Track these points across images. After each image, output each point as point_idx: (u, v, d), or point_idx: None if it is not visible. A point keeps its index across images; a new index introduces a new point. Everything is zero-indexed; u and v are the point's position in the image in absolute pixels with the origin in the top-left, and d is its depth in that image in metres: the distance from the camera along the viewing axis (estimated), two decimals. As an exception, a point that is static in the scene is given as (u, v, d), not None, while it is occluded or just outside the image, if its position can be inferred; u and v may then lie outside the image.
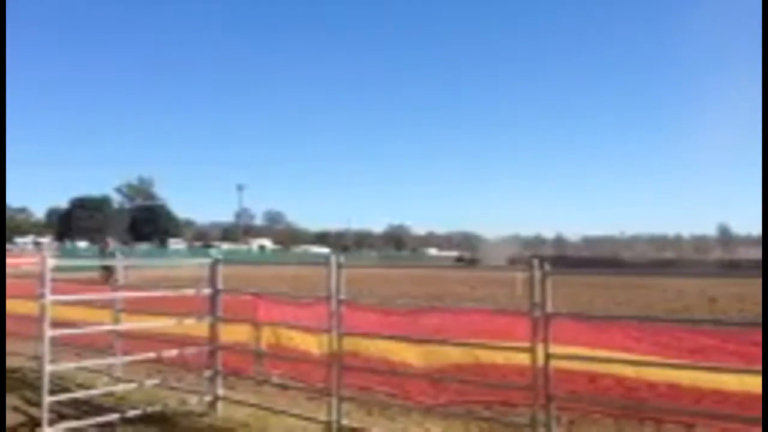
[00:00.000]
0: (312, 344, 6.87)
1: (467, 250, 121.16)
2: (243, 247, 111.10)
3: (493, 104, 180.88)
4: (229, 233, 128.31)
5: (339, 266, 6.61)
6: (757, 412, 4.72)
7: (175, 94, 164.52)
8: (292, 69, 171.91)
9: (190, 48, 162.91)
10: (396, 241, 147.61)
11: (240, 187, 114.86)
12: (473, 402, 6.30)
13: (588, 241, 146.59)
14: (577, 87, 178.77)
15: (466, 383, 6.01)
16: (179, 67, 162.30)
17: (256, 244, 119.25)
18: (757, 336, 5.05)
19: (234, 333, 7.58)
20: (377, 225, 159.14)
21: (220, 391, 7.57)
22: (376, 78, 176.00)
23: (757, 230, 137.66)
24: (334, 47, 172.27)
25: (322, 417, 6.65)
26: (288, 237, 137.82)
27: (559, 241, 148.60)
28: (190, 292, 7.78)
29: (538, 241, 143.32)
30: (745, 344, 4.91)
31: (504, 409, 6.31)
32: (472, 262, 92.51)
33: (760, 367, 4.70)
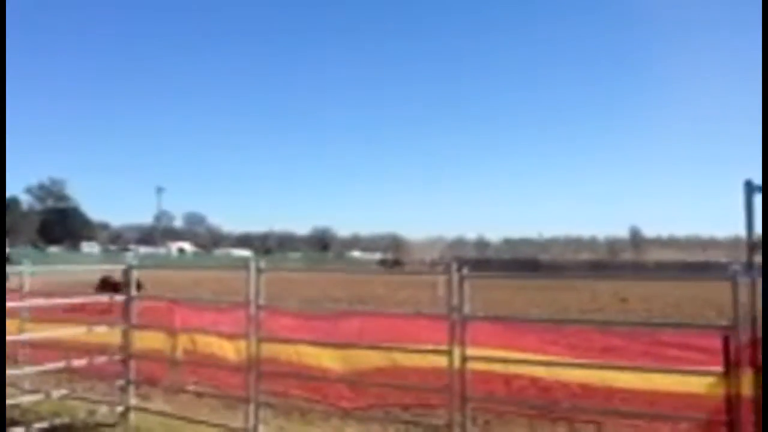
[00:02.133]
0: (230, 350, 6.73)
1: (392, 253, 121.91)
2: (161, 250, 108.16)
3: (412, 104, 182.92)
4: (147, 236, 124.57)
5: (258, 270, 6.50)
6: (664, 409, 4.91)
7: (92, 94, 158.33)
8: (212, 69, 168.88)
9: (105, 49, 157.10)
10: (321, 243, 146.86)
11: (159, 189, 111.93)
12: (392, 405, 6.32)
13: (509, 243, 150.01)
14: (496, 87, 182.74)
15: (385, 386, 6.02)
16: (95, 67, 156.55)
17: (175, 247, 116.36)
18: (665, 336, 5.26)
19: (149, 340, 7.34)
20: (302, 227, 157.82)
21: (133, 401, 7.32)
22: (299, 77, 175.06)
23: (665, 232, 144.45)
24: (254, 45, 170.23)
25: (239, 424, 6.52)
26: (209, 240, 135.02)
27: (481, 243, 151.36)
28: (103, 298, 7.50)
29: (460, 243, 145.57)
30: (653, 344, 5.10)
31: (422, 411, 6.36)
32: (395, 265, 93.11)
33: (667, 366, 4.90)
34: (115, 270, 8.62)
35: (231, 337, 6.69)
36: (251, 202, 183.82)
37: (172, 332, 7.09)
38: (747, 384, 4.43)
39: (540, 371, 5.42)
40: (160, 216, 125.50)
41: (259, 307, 6.46)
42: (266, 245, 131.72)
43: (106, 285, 20.78)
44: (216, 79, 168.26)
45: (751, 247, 4.44)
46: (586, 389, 5.28)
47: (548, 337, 5.58)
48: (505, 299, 24.03)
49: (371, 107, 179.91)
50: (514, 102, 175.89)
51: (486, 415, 6.50)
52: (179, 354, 7.06)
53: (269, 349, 6.49)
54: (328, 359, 6.25)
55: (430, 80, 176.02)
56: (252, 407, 6.43)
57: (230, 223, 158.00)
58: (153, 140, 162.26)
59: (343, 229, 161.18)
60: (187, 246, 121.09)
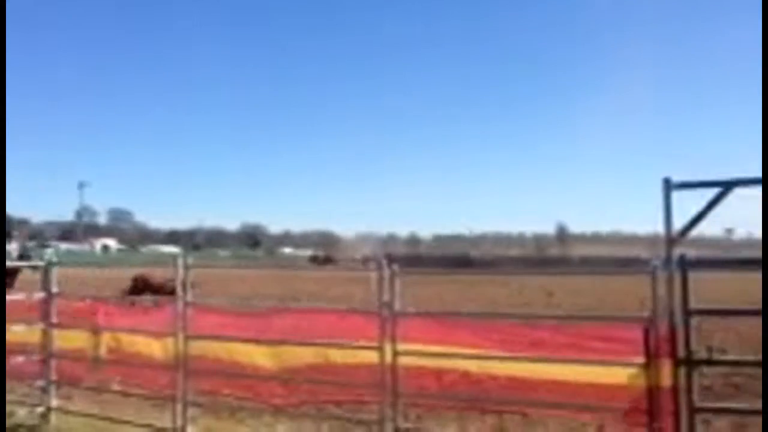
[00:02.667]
0: (156, 349, 6.56)
1: (324, 249, 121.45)
2: (85, 247, 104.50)
3: (343, 102, 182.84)
4: (68, 233, 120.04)
5: (186, 267, 6.36)
6: (588, 399, 5.07)
7: (10, 89, 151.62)
8: (136, 63, 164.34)
9: (23, 42, 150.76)
10: (251, 239, 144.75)
11: (81, 185, 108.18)
12: (325, 401, 6.31)
13: (439, 240, 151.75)
14: (425, 84, 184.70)
15: (318, 383, 5.99)
16: (11, 62, 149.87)
17: (99, 244, 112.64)
18: (589, 329, 5.43)
19: (71, 339, 7.09)
20: (231, 223, 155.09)
21: (54, 402, 7.06)
22: (225, 72, 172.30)
23: (590, 228, 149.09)
24: (179, 37, 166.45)
25: (167, 424, 6.37)
26: (136, 236, 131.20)
27: (412, 239, 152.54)
28: (19, 296, 7.19)
29: (392, 240, 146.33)
30: (578, 336, 5.25)
31: (355, 407, 6.37)
32: (326, 261, 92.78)
33: (592, 357, 5.05)
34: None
35: (158, 334, 6.53)
36: (179, 197, 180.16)
37: (95, 331, 6.87)
38: (666, 374, 4.61)
39: (470, 365, 5.51)
40: (83, 212, 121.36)
41: (186, 304, 6.33)
42: (195, 242, 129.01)
43: (146, 286, 19.90)
44: (140, 72, 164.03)
45: (669, 242, 4.63)
46: (514, 381, 5.39)
47: (478, 332, 5.67)
48: (436, 295, 24.28)
49: (301, 104, 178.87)
50: (443, 99, 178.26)
51: (417, 409, 6.55)
52: (102, 353, 6.84)
53: (198, 347, 6.36)
54: (259, 356, 6.17)
55: (358, 77, 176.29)
56: (180, 406, 6.29)
57: (157, 220, 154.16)
58: (75, 135, 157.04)
59: (273, 225, 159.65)
60: (111, 243, 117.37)
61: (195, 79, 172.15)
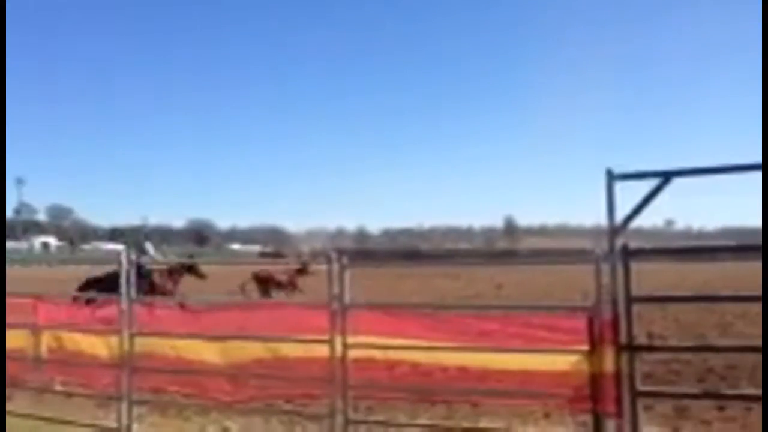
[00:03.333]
0: (101, 347, 6.40)
1: (273, 244, 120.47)
2: (23, 245, 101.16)
3: (291, 99, 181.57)
4: (6, 230, 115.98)
5: (131, 263, 6.22)
6: (536, 387, 5.17)
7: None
8: (80, 54, 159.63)
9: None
10: (198, 236, 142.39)
11: (19, 181, 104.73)
12: (275, 396, 6.26)
13: (389, 234, 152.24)
14: (375, 84, 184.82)
15: (267, 378, 5.95)
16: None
17: (38, 241, 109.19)
18: (535, 318, 5.52)
19: (10, 339, 6.85)
20: (177, 219, 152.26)
21: (-7, 404, 6.81)
22: (174, 61, 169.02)
23: (537, 221, 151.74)
24: (124, 33, 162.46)
25: (112, 423, 6.24)
26: (77, 233, 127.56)
27: (361, 233, 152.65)
28: None
29: (341, 235, 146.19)
30: (525, 326, 5.34)
31: (306, 401, 6.35)
32: (276, 257, 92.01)
33: (539, 346, 5.15)
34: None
35: (102, 332, 6.38)
36: (122, 194, 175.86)
37: (35, 330, 6.66)
38: (609, 360, 4.74)
39: (420, 357, 5.55)
40: (21, 209, 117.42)
41: (131, 301, 6.20)
42: (139, 239, 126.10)
43: (263, 281, 19.79)
44: (82, 63, 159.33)
45: (612, 232, 4.74)
46: (464, 372, 5.46)
47: (428, 324, 5.72)
48: (386, 288, 24.37)
49: (251, 99, 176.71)
50: (392, 97, 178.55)
51: (368, 401, 6.58)
52: (43, 352, 6.64)
53: (144, 345, 6.23)
54: (207, 352, 6.09)
55: (308, 76, 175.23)
56: (125, 405, 6.16)
57: (99, 217, 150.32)
58: (11, 128, 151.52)
59: (221, 221, 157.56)
60: (52, 240, 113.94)
61: (137, 72, 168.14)
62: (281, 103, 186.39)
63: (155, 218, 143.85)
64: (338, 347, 5.50)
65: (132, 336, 6.17)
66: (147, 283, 13.60)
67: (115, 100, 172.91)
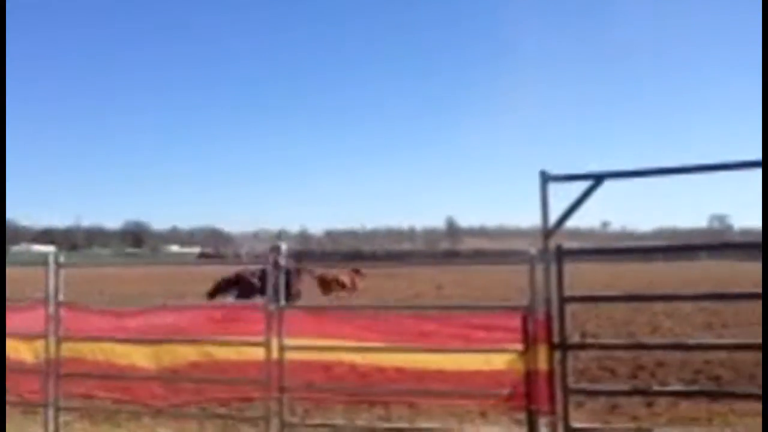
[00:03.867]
0: (25, 352, 6.15)
1: (213, 246, 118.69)
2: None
3: (232, 99, 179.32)
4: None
5: (58, 265, 6.00)
6: (473, 387, 5.20)
7: None
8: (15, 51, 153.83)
9: None
10: (135, 237, 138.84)
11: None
12: (209, 400, 6.15)
13: (331, 235, 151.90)
14: (313, 84, 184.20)
15: (201, 382, 5.82)
16: None
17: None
18: (473, 318, 5.57)
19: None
20: (113, 221, 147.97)
21: None
22: (104, 61, 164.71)
23: (478, 222, 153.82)
24: (57, 31, 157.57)
25: (38, 431, 6.00)
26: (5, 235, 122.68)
27: (303, 235, 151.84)
28: None
29: (283, 236, 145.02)
30: (463, 326, 5.38)
31: (241, 405, 6.25)
32: (216, 258, 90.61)
33: (474, 346, 5.19)
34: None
35: (27, 337, 6.12)
36: (53, 194, 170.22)
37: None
38: (542, 359, 4.81)
39: (358, 358, 5.53)
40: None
41: (59, 305, 5.98)
42: (72, 240, 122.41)
43: (326, 282, 19.78)
44: (12, 60, 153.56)
45: (546, 233, 4.82)
46: (402, 372, 5.46)
47: (366, 325, 5.70)
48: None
49: (188, 100, 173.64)
50: (334, 97, 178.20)
51: (306, 403, 6.52)
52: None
53: (72, 350, 6.01)
54: (138, 357, 5.92)
55: (246, 76, 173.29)
56: (51, 412, 5.93)
57: (29, 217, 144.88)
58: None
59: (158, 222, 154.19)
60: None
61: (67, 71, 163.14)
62: (220, 105, 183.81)
63: (89, 219, 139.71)
64: (274, 349, 5.43)
65: (59, 341, 5.95)
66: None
67: (45, 99, 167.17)
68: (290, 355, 5.48)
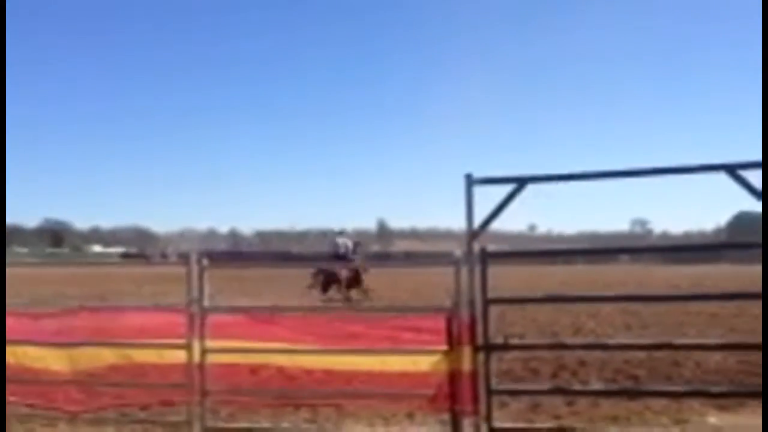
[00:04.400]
0: None
1: (138, 246, 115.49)
2: None
3: (157, 97, 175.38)
4: None
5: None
6: (400, 388, 5.23)
7: None
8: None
9: None
10: (54, 237, 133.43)
11: None
12: (130, 405, 5.96)
13: (261, 236, 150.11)
14: (252, 84, 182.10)
15: (119, 386, 5.64)
16: None
17: None
18: (402, 320, 5.60)
19: None
20: (30, 219, 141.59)
21: None
22: (28, 54, 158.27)
23: (408, 224, 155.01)
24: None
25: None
26: None
27: (233, 235, 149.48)
28: None
29: (212, 236, 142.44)
30: (392, 328, 5.40)
31: (163, 409, 6.08)
32: (141, 258, 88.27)
33: (401, 348, 5.22)
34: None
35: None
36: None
37: None
38: (467, 360, 4.88)
39: (285, 360, 5.48)
40: None
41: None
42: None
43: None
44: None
45: (470, 236, 4.89)
46: (330, 375, 5.45)
47: (294, 327, 5.66)
48: (256, 290, 23.96)
49: (112, 94, 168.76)
50: (265, 97, 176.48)
51: (230, 407, 6.40)
52: None
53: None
54: (54, 360, 5.70)
55: (172, 73, 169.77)
56: (-43, 420, 5.63)
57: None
58: None
59: (80, 221, 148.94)
60: None
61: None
62: (146, 99, 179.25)
63: (6, 217, 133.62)
64: (196, 352, 5.31)
65: (-33, 344, 5.65)
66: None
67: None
68: (215, 358, 5.38)
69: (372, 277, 21.95)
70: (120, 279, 32.48)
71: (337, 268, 21.53)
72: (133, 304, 16.08)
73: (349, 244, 22.97)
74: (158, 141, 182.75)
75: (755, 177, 4.56)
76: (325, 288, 21.42)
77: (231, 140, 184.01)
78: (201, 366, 5.32)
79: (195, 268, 5.36)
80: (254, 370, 5.58)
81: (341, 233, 23.77)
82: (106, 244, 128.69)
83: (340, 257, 22.00)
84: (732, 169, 4.52)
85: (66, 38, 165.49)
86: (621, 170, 4.90)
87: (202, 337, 5.33)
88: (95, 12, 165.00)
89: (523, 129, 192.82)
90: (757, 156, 4.61)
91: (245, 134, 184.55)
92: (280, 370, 5.54)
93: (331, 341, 5.48)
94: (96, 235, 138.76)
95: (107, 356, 5.63)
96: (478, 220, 4.91)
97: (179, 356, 5.38)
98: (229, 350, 5.42)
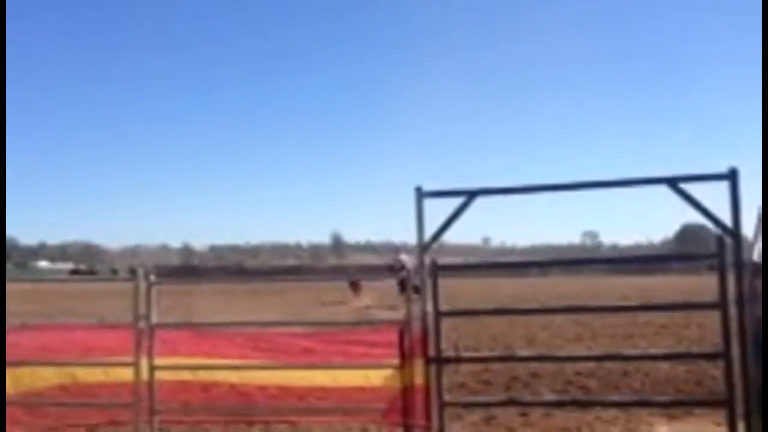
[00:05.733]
0: None
1: (87, 262, 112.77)
2: None
3: (110, 101, 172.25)
4: None
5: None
6: (354, 403, 5.20)
7: None
8: None
9: None
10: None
11: None
12: (76, 425, 5.80)
13: (215, 250, 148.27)
14: (215, 90, 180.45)
15: (64, 406, 5.48)
16: None
17: None
18: (355, 334, 5.58)
19: None
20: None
21: None
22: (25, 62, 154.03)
23: (364, 238, 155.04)
24: None
25: None
26: None
27: (186, 250, 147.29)
28: None
29: (164, 251, 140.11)
30: (345, 342, 5.39)
31: (111, 429, 5.94)
32: (89, 275, 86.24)
33: (352, 362, 5.20)
34: None
35: None
36: None
37: None
38: (419, 373, 4.88)
39: (236, 377, 5.41)
40: None
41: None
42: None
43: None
44: None
45: (421, 248, 4.91)
46: (283, 391, 5.40)
47: (246, 343, 5.59)
48: (208, 307, 23.58)
49: (61, 102, 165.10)
50: (215, 112, 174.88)
51: (181, 426, 6.27)
52: None
53: None
54: None
55: (122, 81, 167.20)
56: None
57: None
58: None
59: (26, 237, 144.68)
60: None
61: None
62: (95, 109, 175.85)
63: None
64: (144, 370, 5.19)
65: None
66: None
67: None
68: (164, 376, 5.27)
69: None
70: (66, 296, 31.62)
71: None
72: (79, 321, 15.67)
73: None
74: (109, 154, 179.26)
75: (697, 190, 4.68)
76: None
77: (182, 152, 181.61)
78: (149, 384, 5.21)
79: (143, 284, 5.26)
80: (205, 387, 5.48)
81: (399, 250, 29.97)
82: (54, 260, 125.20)
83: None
84: (674, 182, 4.64)
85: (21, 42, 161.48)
86: (567, 183, 4.99)
87: (150, 355, 5.21)
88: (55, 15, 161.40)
89: (481, 140, 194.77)
90: (700, 169, 4.74)
91: (196, 146, 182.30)
92: (232, 386, 5.45)
93: (284, 357, 5.42)
94: (43, 251, 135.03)
95: (52, 375, 5.47)
96: (429, 233, 4.94)
97: (127, 374, 5.25)
98: (178, 367, 5.32)
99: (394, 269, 25.04)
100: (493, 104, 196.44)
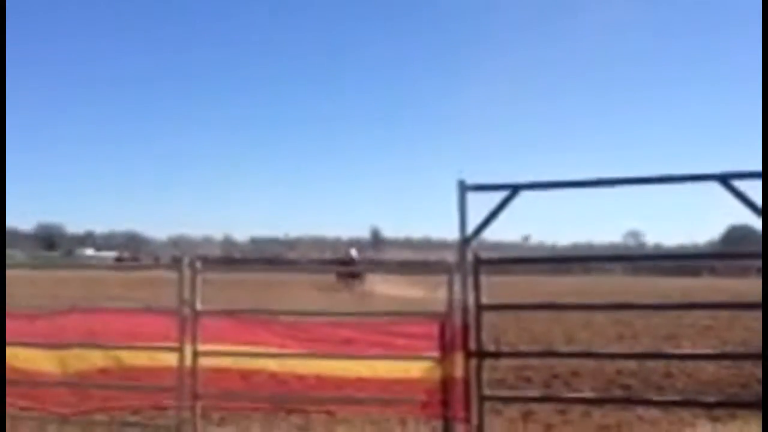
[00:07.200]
0: None
1: (131, 251, 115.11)
2: None
3: (152, 103, 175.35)
4: None
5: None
6: (392, 394, 5.21)
7: None
8: None
9: None
10: (48, 240, 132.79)
11: None
12: (120, 408, 5.93)
13: (255, 243, 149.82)
14: (248, 89, 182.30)
15: (112, 389, 5.61)
16: None
17: None
18: (394, 326, 5.59)
19: None
20: (24, 223, 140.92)
21: None
22: (38, 60, 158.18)
23: (403, 233, 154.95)
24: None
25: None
26: None
27: (227, 242, 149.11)
28: None
29: (207, 242, 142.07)
30: (384, 334, 5.39)
31: (153, 413, 6.06)
32: (133, 262, 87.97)
33: (393, 354, 5.21)
34: None
35: None
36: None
37: None
38: (459, 366, 4.86)
39: (276, 365, 5.46)
40: None
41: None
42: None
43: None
44: None
45: (463, 242, 4.88)
46: (322, 380, 5.43)
47: (286, 332, 5.64)
48: (251, 297, 23.85)
49: (108, 99, 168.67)
50: (259, 106, 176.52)
51: (222, 412, 6.37)
52: None
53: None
54: (44, 362, 5.67)
55: (166, 76, 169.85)
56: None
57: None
58: None
59: (73, 225, 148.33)
60: None
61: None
62: (140, 103, 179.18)
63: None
64: (188, 355, 5.28)
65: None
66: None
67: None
68: (206, 362, 5.35)
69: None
70: (112, 283, 32.33)
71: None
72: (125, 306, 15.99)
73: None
74: (154, 147, 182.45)
75: (750, 187, 4.46)
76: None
77: (226, 147, 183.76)
78: (193, 370, 5.30)
79: (187, 272, 5.34)
80: (245, 374, 5.55)
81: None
82: (100, 248, 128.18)
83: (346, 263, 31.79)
84: (725, 179, 4.49)
85: (62, 41, 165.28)
86: (612, 178, 4.90)
87: (194, 341, 5.30)
88: (93, 15, 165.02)
89: (521, 136, 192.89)
90: (755, 166, 4.52)
91: (241, 140, 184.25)
92: (272, 375, 5.51)
93: (323, 346, 5.46)
94: (89, 239, 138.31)
95: (98, 359, 5.60)
96: (471, 228, 4.90)
97: (171, 360, 5.35)
98: (220, 353, 5.39)
99: (345, 262, 31.71)
100: (532, 104, 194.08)
